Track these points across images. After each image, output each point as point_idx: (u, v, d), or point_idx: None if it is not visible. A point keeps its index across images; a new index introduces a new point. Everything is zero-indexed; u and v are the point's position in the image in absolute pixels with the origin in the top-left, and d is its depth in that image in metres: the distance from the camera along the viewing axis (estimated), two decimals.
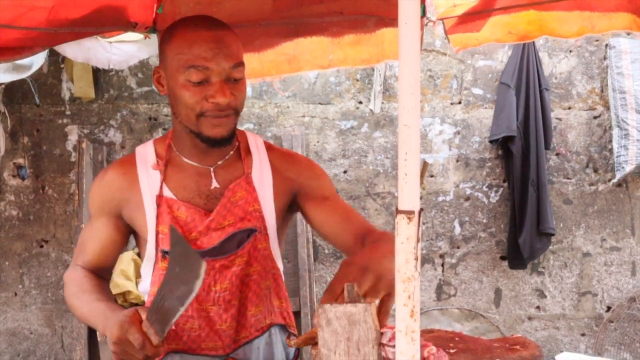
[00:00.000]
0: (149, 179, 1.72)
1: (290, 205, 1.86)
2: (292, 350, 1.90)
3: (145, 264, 1.76)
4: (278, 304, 1.85)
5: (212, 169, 1.75)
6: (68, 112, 4.31)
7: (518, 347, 1.47)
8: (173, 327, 1.68)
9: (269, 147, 1.86)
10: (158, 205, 1.70)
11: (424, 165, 4.27)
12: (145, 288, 1.78)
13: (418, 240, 1.08)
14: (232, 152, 1.78)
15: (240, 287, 1.75)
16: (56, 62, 4.25)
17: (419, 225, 1.08)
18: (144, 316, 1.45)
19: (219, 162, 1.76)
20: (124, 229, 1.78)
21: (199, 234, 1.70)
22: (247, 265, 1.75)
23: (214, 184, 1.73)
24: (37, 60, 3.30)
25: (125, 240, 1.82)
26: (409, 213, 1.08)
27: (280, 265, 1.86)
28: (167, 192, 1.71)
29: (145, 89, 4.30)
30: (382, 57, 2.46)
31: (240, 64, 1.63)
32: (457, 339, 1.56)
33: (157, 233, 1.69)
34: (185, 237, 1.68)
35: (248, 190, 1.75)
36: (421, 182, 4.27)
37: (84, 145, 4.05)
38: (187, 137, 1.69)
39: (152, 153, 1.77)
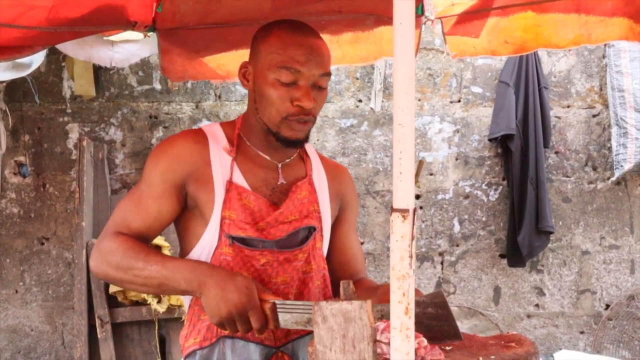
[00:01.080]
0: (221, 160, 1.73)
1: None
2: None
3: (198, 249, 1.72)
4: None
5: (280, 165, 1.80)
6: (69, 110, 4.32)
7: (513, 344, 1.48)
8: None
9: (320, 156, 1.96)
10: (227, 190, 1.70)
11: (420, 163, 4.27)
12: None
13: (413, 238, 1.09)
14: (296, 153, 1.85)
15: (297, 283, 1.78)
16: (57, 60, 4.26)
17: (413, 224, 1.09)
18: (267, 295, 1.50)
19: (287, 160, 1.82)
20: (183, 202, 1.72)
21: (267, 225, 1.72)
22: (306, 263, 1.80)
23: (281, 180, 1.79)
24: (37, 59, 3.31)
25: (178, 214, 1.74)
26: (403, 211, 1.09)
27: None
28: (237, 178, 1.73)
29: (146, 87, 4.32)
30: (379, 54, 2.47)
31: (328, 74, 1.71)
32: None
33: (223, 218, 1.69)
34: (253, 223, 1.70)
35: (310, 191, 1.83)
36: (416, 180, 4.28)
37: (84, 143, 4.06)
38: (262, 132, 1.75)
39: (223, 135, 1.79)
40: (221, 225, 1.69)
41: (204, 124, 4.25)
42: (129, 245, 1.62)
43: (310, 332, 1.81)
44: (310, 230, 1.81)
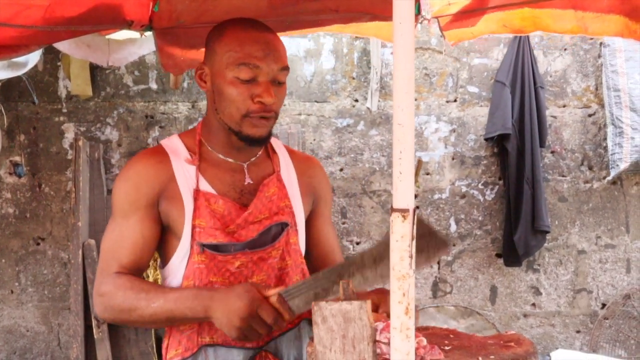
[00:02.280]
0: (185, 172, 1.73)
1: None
2: None
3: (175, 260, 1.74)
4: None
5: (245, 165, 1.80)
6: (65, 110, 4.30)
7: (512, 344, 1.48)
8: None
9: (289, 150, 1.96)
10: (195, 199, 1.70)
11: (419, 162, 4.27)
12: (175, 283, 1.75)
13: (413, 238, 1.09)
14: (261, 151, 1.85)
15: (274, 280, 1.79)
16: (53, 60, 4.24)
17: (413, 223, 1.09)
18: (268, 292, 1.53)
19: (252, 159, 1.82)
20: (160, 222, 1.73)
21: (237, 227, 1.73)
22: (281, 259, 1.80)
23: (248, 180, 1.78)
24: (33, 57, 3.31)
25: (160, 234, 1.75)
26: (403, 211, 1.08)
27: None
28: (204, 186, 1.73)
29: (142, 86, 4.30)
30: (368, 33, 2.55)
31: (286, 68, 1.71)
32: (451, 336, 1.57)
33: (194, 227, 1.69)
34: (223, 228, 1.71)
35: (279, 187, 1.83)
36: (416, 180, 4.28)
37: (80, 143, 4.04)
38: (223, 134, 1.75)
39: (183, 147, 1.79)
40: (192, 235, 1.70)
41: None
42: (127, 285, 1.63)
43: (293, 328, 1.82)
44: (282, 227, 1.81)
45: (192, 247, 1.70)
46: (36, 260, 4.34)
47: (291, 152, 1.96)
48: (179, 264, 1.73)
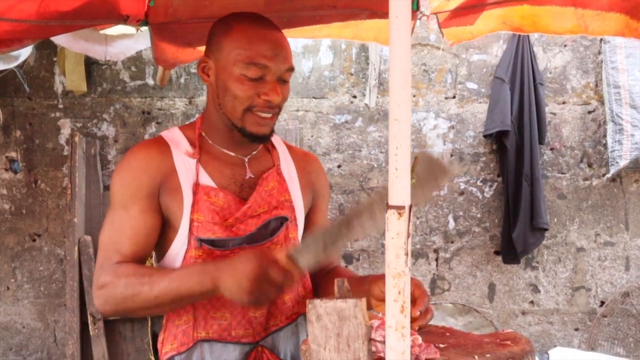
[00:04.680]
0: (185, 165, 1.72)
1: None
2: None
3: (171, 253, 1.72)
4: (304, 293, 1.88)
5: (246, 159, 1.79)
6: (61, 106, 4.28)
7: (509, 342, 1.47)
8: (203, 316, 1.71)
9: (288, 146, 1.96)
10: (194, 193, 1.69)
11: (416, 158, 4.25)
12: None
13: (408, 236, 1.08)
14: (261, 145, 1.85)
15: None
16: (49, 55, 4.22)
17: (409, 220, 1.07)
18: (276, 254, 1.49)
19: (253, 153, 1.81)
20: (161, 213, 1.70)
21: (236, 221, 1.71)
22: None
23: (249, 174, 1.78)
24: (25, 51, 3.29)
25: (161, 226, 1.71)
26: (399, 208, 1.07)
27: None
28: (204, 180, 1.72)
29: (139, 82, 4.28)
30: (367, 38, 2.52)
31: (292, 68, 1.71)
32: (447, 334, 1.56)
33: (192, 221, 1.68)
34: (221, 223, 1.69)
35: (279, 181, 1.82)
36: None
37: (76, 139, 4.03)
38: (224, 128, 1.74)
39: (184, 139, 1.77)
40: (190, 229, 1.68)
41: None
42: (128, 272, 1.58)
43: (290, 324, 1.81)
44: (282, 221, 1.80)
45: (189, 241, 1.69)
46: (32, 256, 4.32)
47: (290, 148, 1.95)
48: (175, 257, 1.71)
